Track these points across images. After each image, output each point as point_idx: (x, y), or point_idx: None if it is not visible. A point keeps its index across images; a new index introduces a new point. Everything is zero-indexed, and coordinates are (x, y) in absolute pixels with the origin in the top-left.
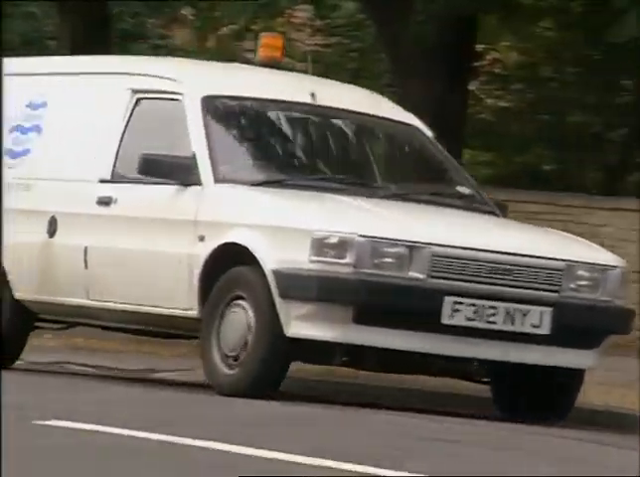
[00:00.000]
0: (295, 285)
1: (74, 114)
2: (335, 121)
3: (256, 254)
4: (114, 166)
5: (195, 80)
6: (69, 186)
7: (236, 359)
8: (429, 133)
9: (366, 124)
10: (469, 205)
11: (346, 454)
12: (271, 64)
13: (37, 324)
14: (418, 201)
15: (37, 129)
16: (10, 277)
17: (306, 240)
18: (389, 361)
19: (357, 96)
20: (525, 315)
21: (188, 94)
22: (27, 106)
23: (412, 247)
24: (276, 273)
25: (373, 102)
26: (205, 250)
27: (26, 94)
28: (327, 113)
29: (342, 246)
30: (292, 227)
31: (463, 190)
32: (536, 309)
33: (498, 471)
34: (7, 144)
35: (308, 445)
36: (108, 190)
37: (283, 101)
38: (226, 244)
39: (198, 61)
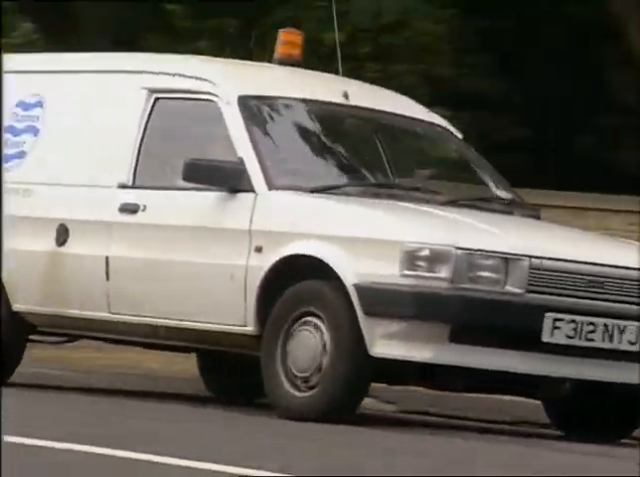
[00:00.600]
0: (384, 302)
1: (78, 115)
2: (373, 123)
3: (335, 268)
4: (135, 171)
5: (228, 80)
6: (80, 191)
7: (306, 380)
8: (459, 135)
9: (401, 126)
10: (515, 209)
11: None
12: (290, 61)
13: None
14: (474, 207)
15: (32, 131)
16: (8, 288)
17: (396, 253)
18: (477, 381)
19: (385, 96)
20: (622, 331)
21: (223, 94)
22: (17, 106)
23: (509, 260)
24: (360, 289)
25: (401, 102)
26: (265, 262)
27: (15, 94)
28: (362, 114)
29: (437, 260)
30: (378, 238)
31: (504, 194)
32: (632, 324)
33: None
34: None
35: None
36: (133, 196)
37: (319, 102)
38: (292, 256)
39: (220, 59)
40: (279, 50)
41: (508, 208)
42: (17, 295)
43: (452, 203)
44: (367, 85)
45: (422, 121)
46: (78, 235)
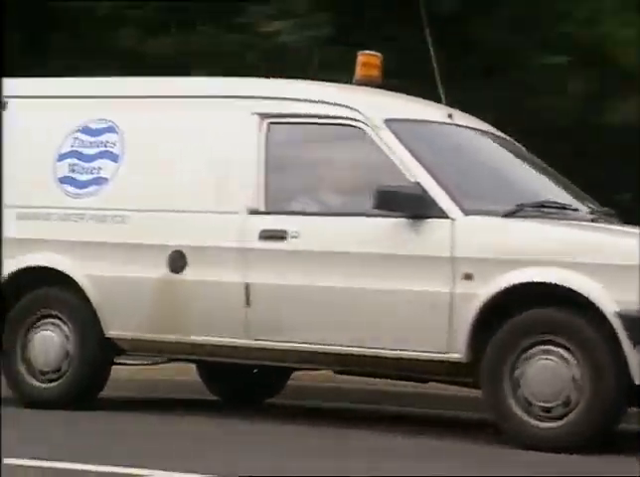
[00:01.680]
0: None
1: (173, 141)
2: (491, 141)
3: (589, 296)
4: (267, 197)
5: (368, 104)
6: (195, 218)
7: (548, 410)
8: (522, 147)
9: (504, 143)
10: (622, 220)
11: None
12: (370, 83)
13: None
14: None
15: (108, 156)
16: (100, 314)
17: None
18: None
19: (463, 116)
20: None
21: (368, 119)
22: (80, 131)
23: None
24: (626, 317)
25: (476, 121)
26: (479, 290)
27: (74, 119)
28: (474, 135)
29: None
30: (629, 264)
31: (594, 204)
32: None
33: None
34: (58, 172)
35: None
36: (273, 222)
37: (447, 124)
38: (523, 285)
39: (335, 83)
40: (359, 72)
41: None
42: (113, 321)
43: (603, 219)
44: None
45: (505, 139)
46: (198, 262)
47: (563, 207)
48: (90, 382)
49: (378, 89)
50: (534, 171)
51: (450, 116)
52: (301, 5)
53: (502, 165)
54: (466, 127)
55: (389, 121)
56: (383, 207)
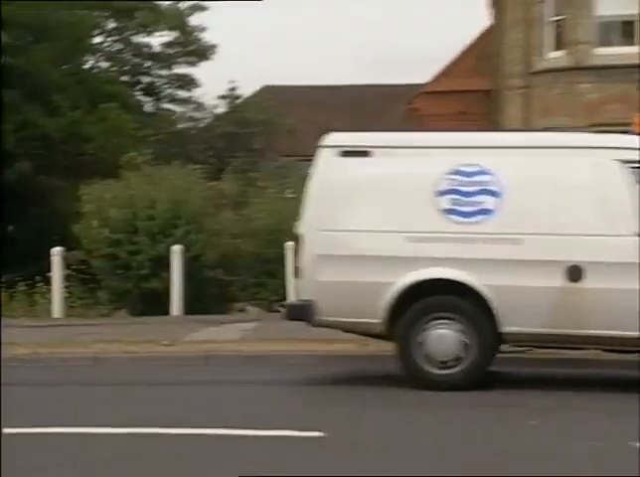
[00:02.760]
0: None
1: (546, 181)
2: None
3: None
4: None
5: None
6: (589, 240)
7: None
8: None
9: None
10: None
11: None
12: None
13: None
14: None
15: (487, 193)
16: (497, 315)
17: None
18: None
19: None
20: None
21: None
22: (454, 174)
23: None
24: None
25: None
26: None
27: (445, 164)
28: None
29: None
30: None
31: None
32: None
33: None
34: (441, 205)
35: None
36: None
37: None
38: None
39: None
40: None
41: None
42: (507, 320)
43: None
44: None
45: None
46: (594, 273)
47: None
48: (486, 365)
49: None
50: None
51: None
52: None
53: None
54: None
55: None
56: None
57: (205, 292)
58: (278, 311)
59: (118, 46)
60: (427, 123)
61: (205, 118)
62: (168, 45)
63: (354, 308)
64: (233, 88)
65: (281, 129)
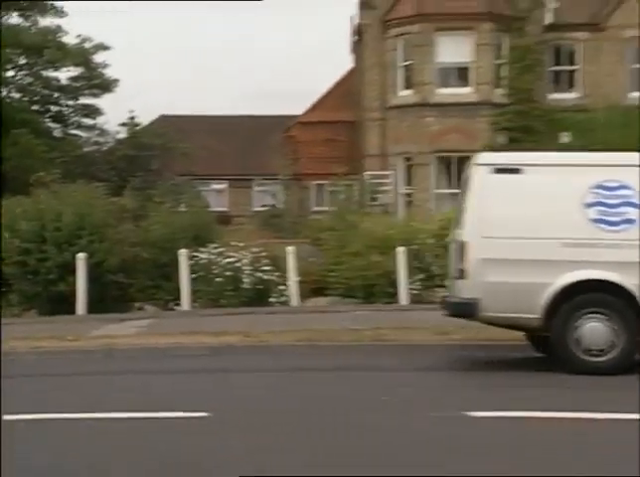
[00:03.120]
0: None
1: None
2: None
3: None
4: None
5: None
6: None
7: None
8: None
9: None
10: None
11: None
12: None
13: None
14: None
15: (630, 204)
16: None
17: None
18: None
19: None
20: None
21: None
22: (596, 188)
23: None
24: None
25: None
26: None
27: (589, 180)
28: None
29: None
30: None
31: None
32: None
33: None
34: (590, 215)
35: None
36: None
37: None
38: None
39: None
40: None
41: None
42: None
43: None
44: None
45: None
46: None
47: None
48: (633, 355)
49: None
50: None
51: None
52: None
53: None
54: None
55: None
56: None
57: (107, 294)
58: (173, 309)
59: (29, 79)
60: (301, 149)
61: (108, 143)
62: (74, 79)
63: (515, 305)
64: (132, 117)
65: (176, 152)
